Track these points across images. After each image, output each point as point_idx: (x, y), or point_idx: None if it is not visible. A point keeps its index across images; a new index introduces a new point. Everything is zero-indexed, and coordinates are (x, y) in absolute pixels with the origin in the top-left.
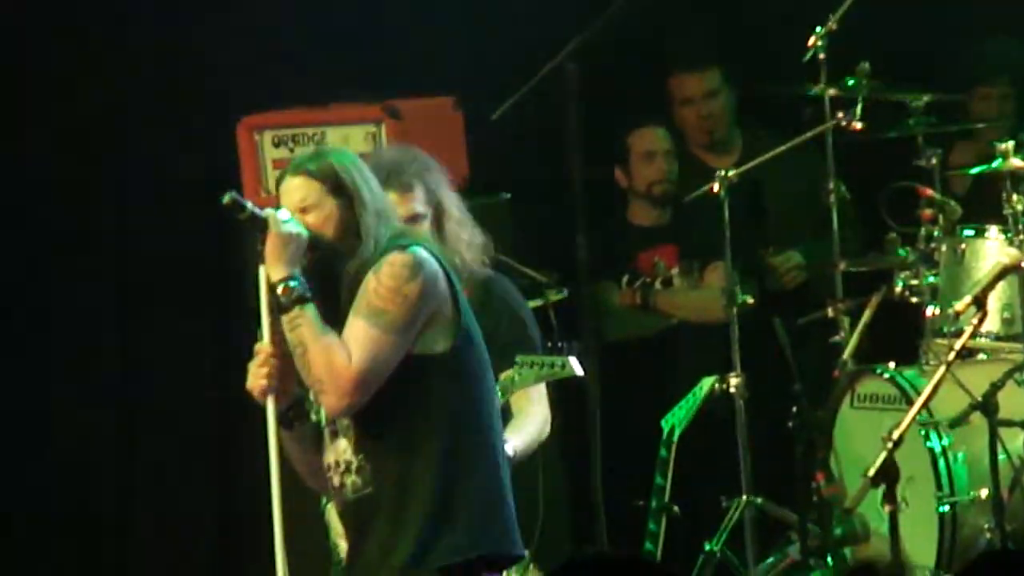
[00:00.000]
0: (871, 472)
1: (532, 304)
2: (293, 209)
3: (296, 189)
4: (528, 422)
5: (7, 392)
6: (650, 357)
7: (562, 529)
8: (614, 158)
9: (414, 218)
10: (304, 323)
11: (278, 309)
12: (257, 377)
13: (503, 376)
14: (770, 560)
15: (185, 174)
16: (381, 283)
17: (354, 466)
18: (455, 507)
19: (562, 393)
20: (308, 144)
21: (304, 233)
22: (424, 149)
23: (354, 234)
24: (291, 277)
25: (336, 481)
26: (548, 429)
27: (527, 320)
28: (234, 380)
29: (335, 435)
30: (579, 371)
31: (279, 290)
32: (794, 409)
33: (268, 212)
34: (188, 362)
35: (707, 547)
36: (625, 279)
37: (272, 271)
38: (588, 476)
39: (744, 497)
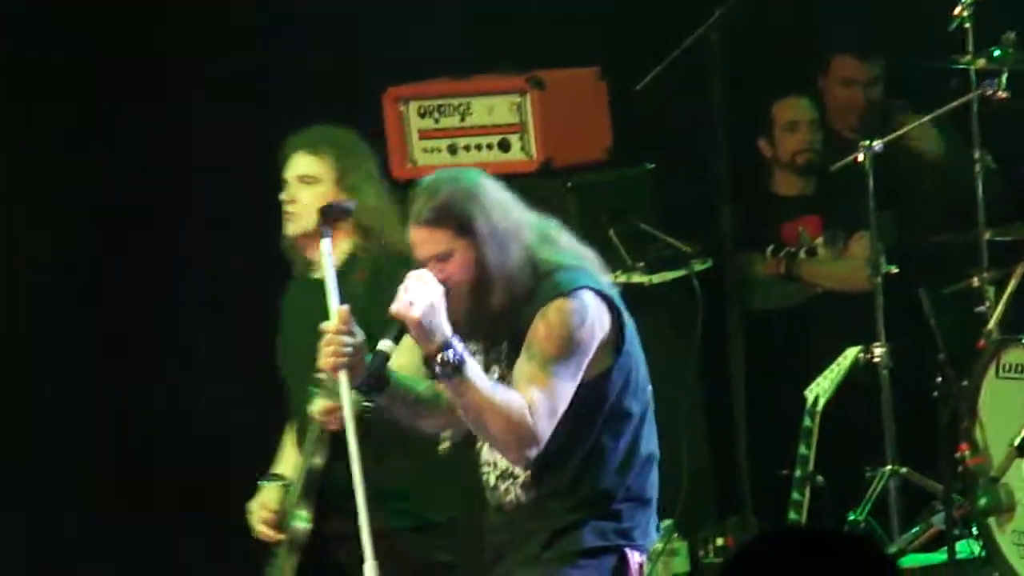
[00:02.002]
0: (1016, 442)
1: (676, 274)
2: (427, 259)
3: (423, 243)
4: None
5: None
6: (794, 327)
7: (706, 499)
8: (758, 128)
9: (303, 178)
10: (469, 390)
11: (439, 379)
12: (326, 355)
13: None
14: (914, 530)
15: None
16: (551, 330)
17: (520, 480)
18: (611, 506)
19: (706, 361)
20: (454, 115)
21: (435, 290)
22: (568, 120)
23: (492, 271)
24: (442, 346)
25: (492, 482)
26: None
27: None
28: None
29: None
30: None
31: (436, 365)
32: (939, 379)
33: (396, 310)
34: None
35: (851, 517)
36: (769, 249)
37: (425, 348)
38: (732, 446)
39: (888, 467)
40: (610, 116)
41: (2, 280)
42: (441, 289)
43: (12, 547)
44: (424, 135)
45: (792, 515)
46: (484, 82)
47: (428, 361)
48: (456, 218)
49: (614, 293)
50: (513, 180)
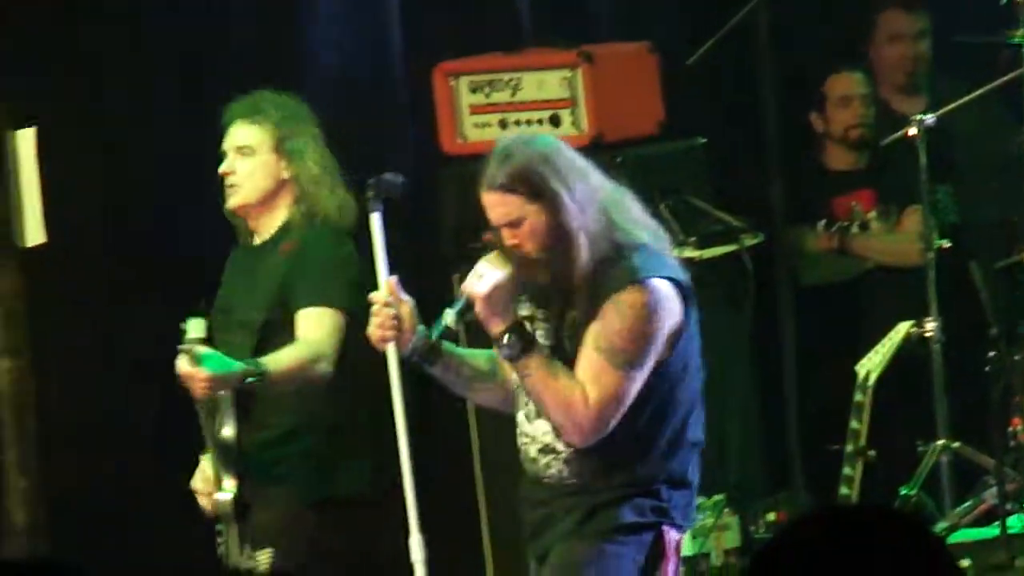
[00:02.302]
0: None
1: (727, 249)
2: (499, 223)
3: (495, 206)
4: (289, 349)
5: None
6: (846, 301)
7: (757, 474)
8: (810, 102)
9: (241, 149)
10: (533, 372)
11: (506, 360)
12: (374, 326)
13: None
14: (966, 505)
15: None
16: (623, 324)
17: (562, 456)
18: (652, 486)
19: (757, 336)
20: (504, 90)
21: (505, 272)
22: (619, 94)
23: (566, 237)
24: (509, 329)
25: (532, 455)
26: (318, 369)
27: (322, 268)
28: None
29: (537, 414)
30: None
31: (502, 345)
32: (991, 354)
33: (465, 287)
34: None
35: (903, 492)
36: (821, 224)
37: (490, 328)
38: (783, 421)
39: (940, 442)
40: (661, 90)
41: None
42: (510, 271)
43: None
44: (475, 110)
45: (843, 490)
46: (535, 57)
47: (494, 340)
48: (529, 183)
49: (685, 277)
50: None
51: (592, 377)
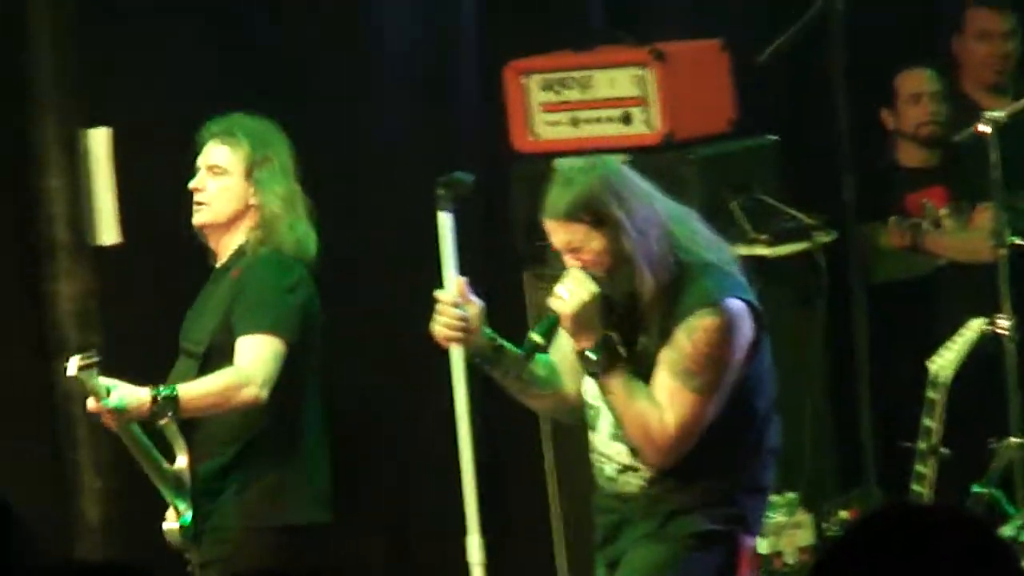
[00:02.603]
0: None
1: (799, 246)
2: (562, 249)
3: (557, 233)
4: (208, 382)
5: None
6: (918, 298)
7: (830, 471)
8: (881, 99)
9: (214, 168)
10: (613, 390)
11: (591, 375)
12: (439, 325)
13: None
14: None
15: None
16: (696, 348)
17: (641, 474)
18: (729, 494)
19: (830, 333)
20: (576, 87)
21: (591, 289)
22: (691, 92)
23: (628, 263)
24: (594, 345)
25: (611, 473)
26: (244, 394)
27: (262, 296)
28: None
29: (613, 436)
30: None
31: (586, 361)
32: None
33: (552, 304)
34: None
35: (975, 489)
36: (893, 220)
37: (577, 344)
38: (856, 418)
39: (1013, 439)
40: (733, 88)
41: None
42: (597, 288)
43: None
44: (546, 108)
45: (916, 487)
46: (606, 55)
47: (579, 355)
48: (591, 211)
49: (753, 294)
50: (635, 153)
51: (668, 401)
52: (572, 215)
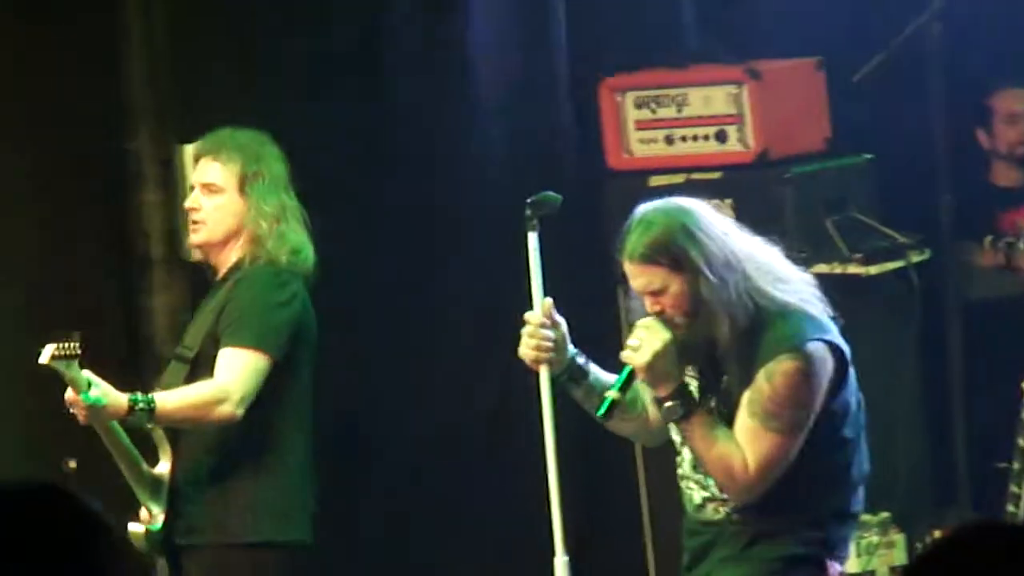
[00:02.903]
0: None
1: (894, 265)
2: (641, 292)
3: (636, 276)
4: (188, 392)
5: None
6: (1013, 317)
7: (923, 490)
8: (977, 119)
9: (211, 186)
10: (694, 434)
11: (669, 422)
12: (527, 347)
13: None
14: None
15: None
16: (776, 392)
17: (729, 504)
18: (817, 520)
19: (924, 352)
20: (671, 106)
21: (664, 338)
22: (786, 110)
23: (707, 308)
24: (671, 393)
25: (698, 500)
26: (220, 410)
27: (249, 309)
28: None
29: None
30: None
31: (663, 408)
32: None
33: (625, 357)
34: None
35: None
36: (988, 239)
37: (655, 392)
38: (950, 437)
39: None
40: (828, 106)
41: None
42: (670, 335)
43: None
44: (641, 126)
45: (1011, 508)
46: (701, 72)
47: (657, 403)
48: (670, 254)
49: (834, 331)
50: (730, 171)
51: (749, 443)
52: (650, 258)
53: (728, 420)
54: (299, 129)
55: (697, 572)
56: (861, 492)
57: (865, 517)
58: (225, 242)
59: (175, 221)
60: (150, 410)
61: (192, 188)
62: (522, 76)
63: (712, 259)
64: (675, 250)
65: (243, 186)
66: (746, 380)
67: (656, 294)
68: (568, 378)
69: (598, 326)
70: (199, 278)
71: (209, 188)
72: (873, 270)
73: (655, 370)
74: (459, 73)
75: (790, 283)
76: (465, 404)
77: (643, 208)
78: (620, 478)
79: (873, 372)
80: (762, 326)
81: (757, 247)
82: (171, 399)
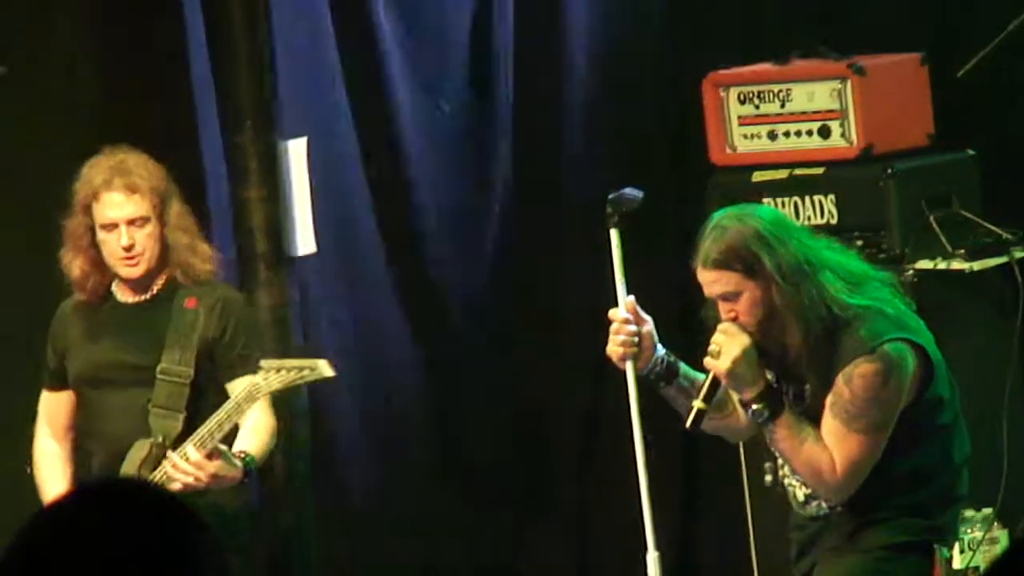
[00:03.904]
0: None
1: (997, 261)
2: (715, 298)
3: (712, 284)
4: (260, 432)
5: None
6: None
7: None
8: None
9: (136, 221)
10: (780, 438)
11: (757, 424)
12: (614, 344)
13: (249, 382)
14: None
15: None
16: (856, 395)
17: (827, 502)
18: (922, 506)
19: None
20: (774, 101)
21: (743, 342)
22: (890, 106)
23: (779, 315)
24: (757, 396)
25: (801, 497)
26: (275, 439)
27: (251, 331)
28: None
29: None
30: (329, 372)
31: (750, 411)
32: None
33: (708, 364)
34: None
35: None
36: None
37: (741, 397)
38: None
39: None
40: (932, 101)
41: None
42: (749, 339)
43: None
44: (744, 121)
45: None
46: (804, 68)
47: (743, 406)
48: (743, 259)
49: (913, 327)
50: (833, 166)
51: (835, 445)
52: (724, 263)
53: (812, 425)
54: (367, 130)
55: (804, 563)
56: (965, 475)
57: (968, 513)
58: (155, 267)
59: (278, 217)
60: (253, 467)
61: (110, 225)
62: (626, 72)
63: (785, 266)
64: (748, 256)
65: (162, 212)
66: (827, 386)
67: (730, 300)
68: (656, 377)
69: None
70: (302, 273)
71: (135, 223)
72: (976, 266)
73: (737, 375)
74: (560, 70)
75: (865, 285)
76: (560, 403)
77: (717, 215)
78: (722, 474)
79: (976, 368)
80: (838, 331)
81: (831, 252)
82: (260, 449)
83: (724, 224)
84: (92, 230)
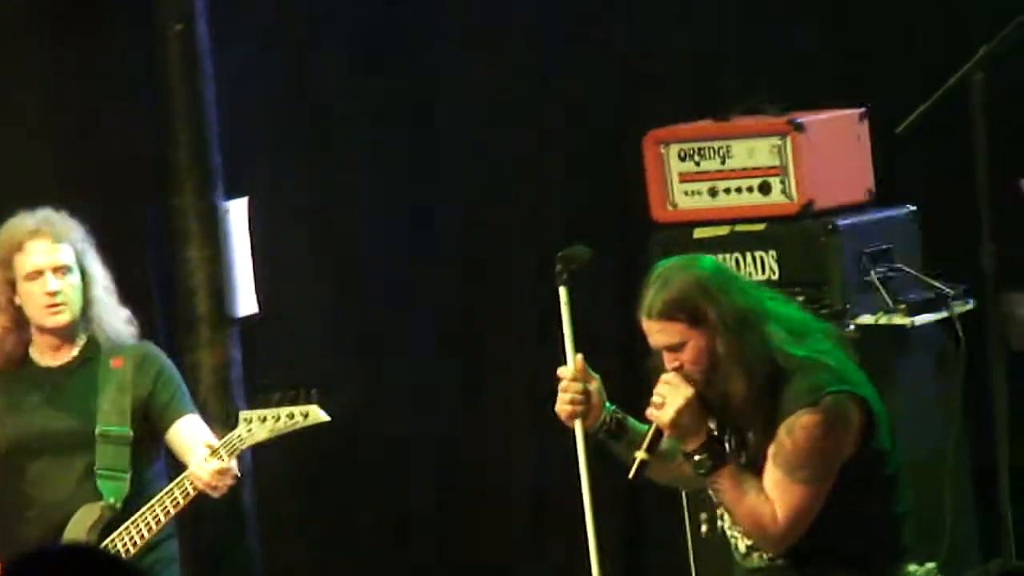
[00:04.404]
0: None
1: (938, 316)
2: (659, 348)
3: (656, 334)
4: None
5: None
6: None
7: (969, 541)
8: (1020, 169)
9: (61, 269)
10: (722, 489)
11: (698, 475)
12: (562, 402)
13: (230, 435)
14: None
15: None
16: (798, 445)
17: (767, 553)
18: (862, 557)
19: (969, 403)
20: (714, 157)
21: (687, 392)
22: (830, 161)
23: (723, 365)
24: (700, 448)
25: (743, 549)
26: None
27: (179, 380)
28: None
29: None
30: (325, 417)
31: (694, 463)
32: None
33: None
34: None
35: None
36: None
37: (683, 446)
38: (995, 488)
39: None
40: (872, 157)
41: None
42: (692, 390)
43: None
44: (684, 178)
45: None
46: (745, 124)
47: (686, 457)
48: (687, 310)
49: (854, 379)
50: (774, 222)
51: (776, 493)
52: (668, 314)
53: (754, 475)
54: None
55: None
56: (907, 528)
57: (911, 568)
58: (77, 320)
59: (220, 278)
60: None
61: (35, 273)
62: (565, 127)
63: (728, 316)
64: (692, 307)
65: (82, 264)
66: (769, 436)
67: (674, 350)
68: (606, 434)
69: (642, 377)
70: (245, 334)
71: (60, 270)
72: (918, 321)
73: (680, 426)
74: (501, 124)
75: (808, 337)
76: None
77: (661, 264)
78: (665, 528)
79: (919, 421)
80: (781, 382)
81: (774, 303)
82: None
83: (667, 275)
84: (12, 285)
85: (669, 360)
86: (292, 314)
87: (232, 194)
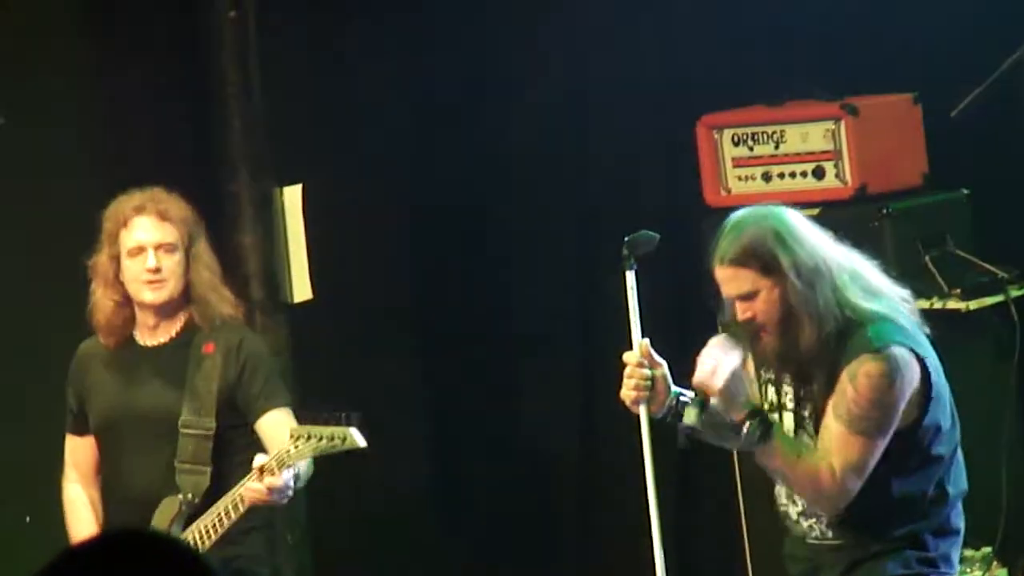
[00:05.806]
0: None
1: (993, 300)
2: (732, 297)
3: (728, 281)
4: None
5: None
6: None
7: None
8: None
9: (164, 246)
10: (775, 455)
11: (747, 447)
12: (627, 388)
13: (279, 450)
14: None
15: (647, 172)
16: (860, 395)
17: (825, 519)
18: (917, 538)
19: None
20: (768, 142)
21: (736, 356)
22: (883, 146)
23: (794, 314)
24: (748, 415)
25: (794, 517)
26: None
27: (271, 370)
28: None
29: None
30: (361, 442)
31: (742, 432)
32: None
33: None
34: None
35: None
36: None
37: (731, 417)
38: None
39: None
40: (926, 141)
41: None
42: (740, 355)
43: None
44: (738, 163)
45: None
46: (798, 109)
47: (734, 427)
48: (761, 258)
49: (922, 343)
50: (828, 207)
51: (835, 447)
52: (741, 261)
53: (815, 427)
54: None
55: None
56: (960, 508)
57: (967, 552)
58: (176, 300)
59: (274, 264)
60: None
61: (135, 248)
62: (621, 116)
63: (801, 265)
64: (765, 253)
65: (190, 246)
66: (831, 386)
67: (746, 299)
68: (672, 418)
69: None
70: (298, 320)
71: (163, 247)
72: (972, 305)
73: (729, 392)
74: (557, 115)
75: (882, 296)
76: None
77: (735, 214)
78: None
79: (973, 406)
80: (847, 333)
81: (851, 259)
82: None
83: (742, 223)
84: (118, 261)
85: (741, 310)
86: (344, 302)
87: (286, 181)
